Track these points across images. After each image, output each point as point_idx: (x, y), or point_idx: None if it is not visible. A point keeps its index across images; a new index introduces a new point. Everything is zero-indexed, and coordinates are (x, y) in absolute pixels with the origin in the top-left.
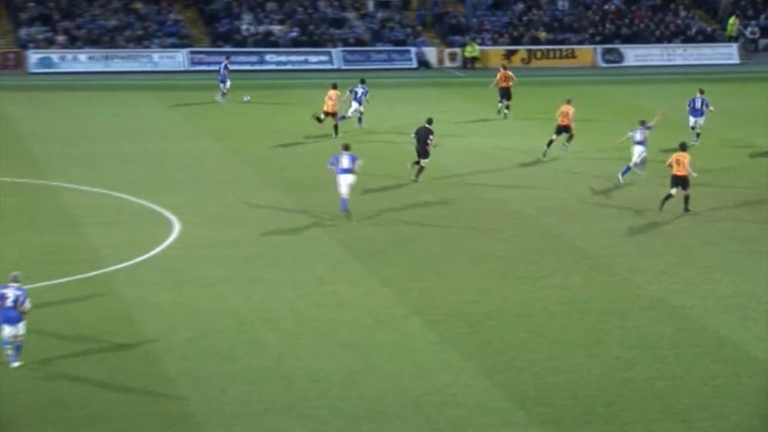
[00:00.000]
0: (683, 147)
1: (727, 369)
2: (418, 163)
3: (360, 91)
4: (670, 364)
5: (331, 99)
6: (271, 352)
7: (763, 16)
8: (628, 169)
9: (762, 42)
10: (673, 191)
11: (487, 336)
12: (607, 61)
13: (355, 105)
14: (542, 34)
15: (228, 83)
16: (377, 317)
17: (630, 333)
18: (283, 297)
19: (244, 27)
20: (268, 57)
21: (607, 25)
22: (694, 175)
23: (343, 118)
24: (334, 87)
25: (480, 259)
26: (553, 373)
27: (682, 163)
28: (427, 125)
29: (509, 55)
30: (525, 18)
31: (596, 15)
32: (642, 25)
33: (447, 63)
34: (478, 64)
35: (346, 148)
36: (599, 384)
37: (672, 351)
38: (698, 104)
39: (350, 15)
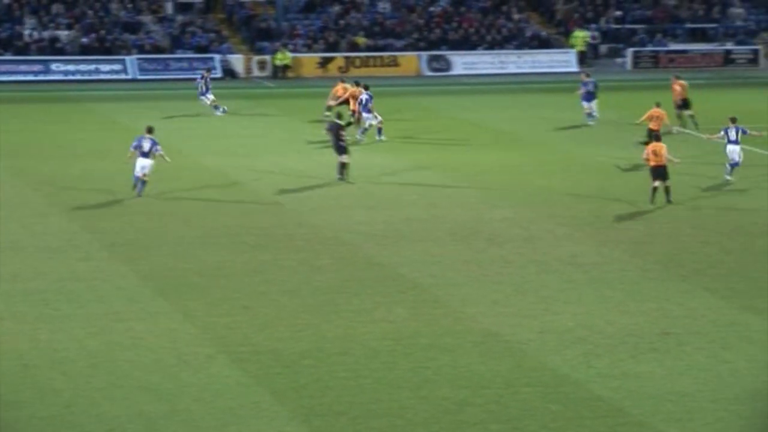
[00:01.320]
0: (657, 137)
1: (568, 410)
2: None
3: (365, 98)
4: (506, 406)
5: (337, 94)
6: (60, 398)
7: (603, 20)
8: (736, 164)
9: (603, 48)
10: (657, 183)
11: (303, 376)
12: (434, 69)
13: (366, 115)
14: (361, 40)
15: (210, 96)
16: (179, 357)
17: (461, 371)
18: (73, 335)
19: (26, 32)
20: (53, 66)
21: (434, 30)
22: (677, 161)
23: (364, 131)
24: (343, 82)
25: (294, 291)
26: (376, 416)
27: (660, 153)
28: (336, 120)
29: (325, 63)
30: (342, 22)
31: (421, 18)
32: (472, 30)
33: (255, 72)
34: (290, 73)
35: (150, 131)
36: (427, 428)
37: (507, 391)
38: (591, 87)
39: (146, 19)
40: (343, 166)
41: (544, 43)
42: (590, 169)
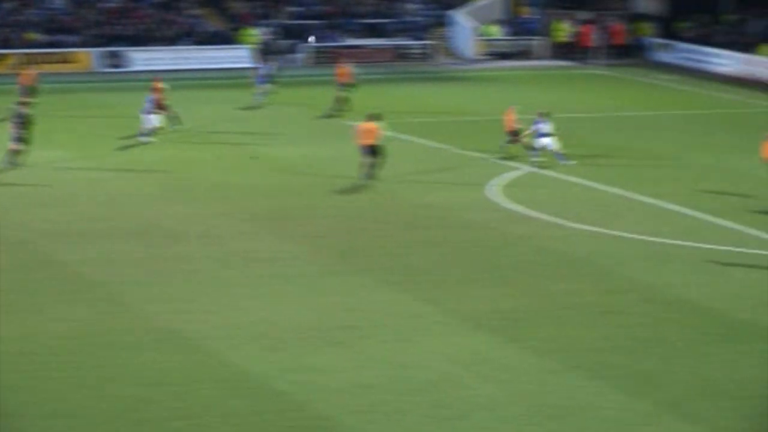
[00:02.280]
0: (373, 117)
1: (250, 405)
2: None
3: (150, 97)
4: (188, 402)
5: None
6: None
7: (280, 16)
8: (561, 156)
9: (280, 43)
10: (368, 160)
11: None
12: (110, 66)
13: (146, 116)
14: (34, 36)
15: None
16: None
17: (142, 368)
18: None
19: None
20: None
21: (110, 26)
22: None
23: (144, 134)
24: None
25: None
26: (56, 417)
27: (373, 132)
28: (22, 109)
29: None
30: (15, 18)
31: (95, 14)
32: (152, 26)
33: None
34: None
35: None
36: (108, 426)
37: (189, 387)
38: (265, 71)
39: None
40: (13, 153)
41: (220, 39)
42: (268, 165)
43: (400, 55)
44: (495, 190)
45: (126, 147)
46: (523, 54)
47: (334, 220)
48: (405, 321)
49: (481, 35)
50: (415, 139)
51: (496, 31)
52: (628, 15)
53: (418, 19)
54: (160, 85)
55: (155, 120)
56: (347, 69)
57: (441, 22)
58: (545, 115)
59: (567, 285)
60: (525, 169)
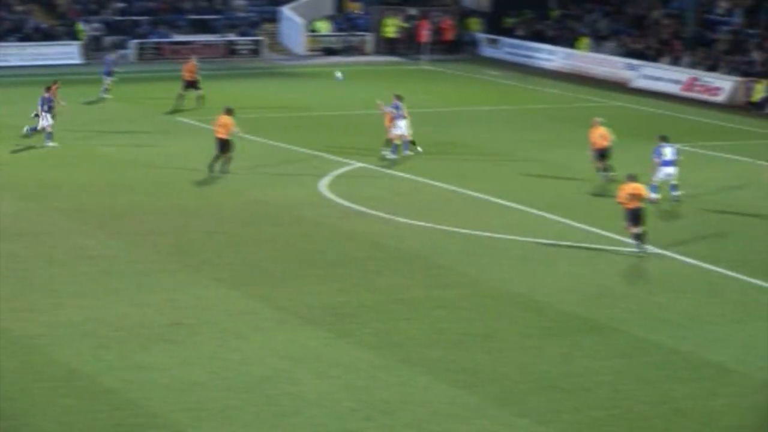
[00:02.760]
0: (229, 112)
1: (81, 404)
2: None
3: (43, 97)
4: (16, 401)
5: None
6: None
7: (109, 12)
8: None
9: (108, 39)
10: (218, 154)
11: None
12: None
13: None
14: None
15: None
16: None
17: None
18: None
19: None
20: None
21: None
22: (242, 134)
23: (34, 129)
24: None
25: None
26: None
27: (227, 126)
28: None
29: None
30: None
31: None
32: None
33: None
34: None
35: None
36: None
37: (16, 386)
38: (111, 66)
39: None
40: None
41: (47, 36)
42: (99, 161)
43: (230, 51)
44: (327, 186)
45: None
46: (353, 50)
47: (166, 216)
48: (235, 318)
49: (311, 31)
50: (247, 136)
51: (325, 27)
52: (457, 11)
53: (247, 14)
54: (55, 86)
55: (46, 120)
56: (192, 65)
57: (270, 18)
58: (399, 99)
59: (397, 280)
60: (356, 164)
